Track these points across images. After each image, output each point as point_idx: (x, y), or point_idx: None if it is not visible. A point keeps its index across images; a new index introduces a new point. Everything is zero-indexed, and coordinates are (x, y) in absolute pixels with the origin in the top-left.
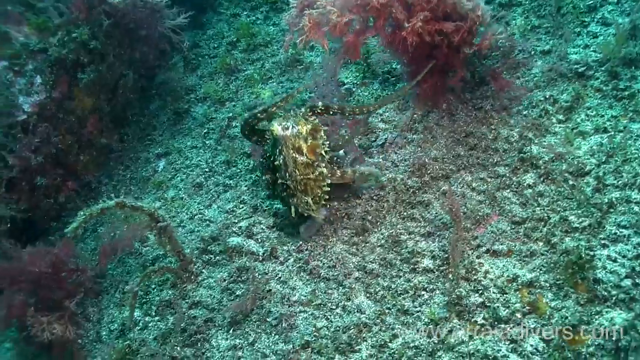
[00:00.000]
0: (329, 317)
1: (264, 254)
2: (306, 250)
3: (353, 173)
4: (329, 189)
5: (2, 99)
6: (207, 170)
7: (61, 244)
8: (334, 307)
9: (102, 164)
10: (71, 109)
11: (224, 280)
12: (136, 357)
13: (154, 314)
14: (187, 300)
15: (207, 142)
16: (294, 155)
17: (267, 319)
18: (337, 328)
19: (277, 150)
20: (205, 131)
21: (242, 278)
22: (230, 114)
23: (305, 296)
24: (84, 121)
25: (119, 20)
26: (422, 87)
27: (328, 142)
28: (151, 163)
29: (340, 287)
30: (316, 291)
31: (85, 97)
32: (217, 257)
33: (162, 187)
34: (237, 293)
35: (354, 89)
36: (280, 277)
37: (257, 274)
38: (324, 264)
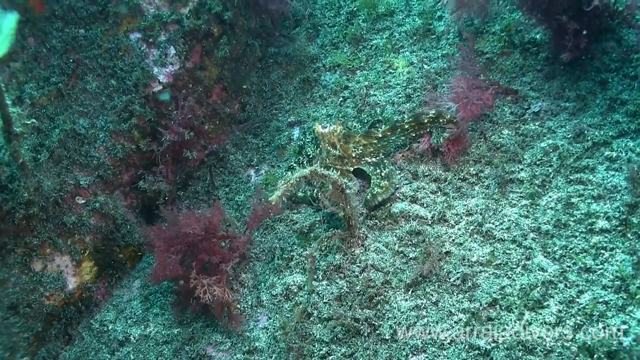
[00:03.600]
0: (511, 276)
1: (432, 217)
2: (476, 213)
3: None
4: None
5: (139, 71)
6: None
7: (213, 210)
8: (514, 266)
9: (226, 133)
10: (200, 78)
11: (395, 243)
12: (313, 319)
13: (320, 278)
14: (358, 265)
15: (345, 109)
16: (328, 147)
17: (448, 279)
18: (523, 286)
19: (316, 145)
20: (340, 99)
21: (413, 241)
22: (367, 82)
23: (483, 257)
24: (210, 90)
25: None
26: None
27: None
28: (284, 131)
29: (518, 248)
30: (494, 252)
31: (212, 67)
32: (382, 222)
33: (301, 154)
34: (410, 256)
35: (494, 59)
36: (454, 240)
37: (430, 238)
38: (496, 226)
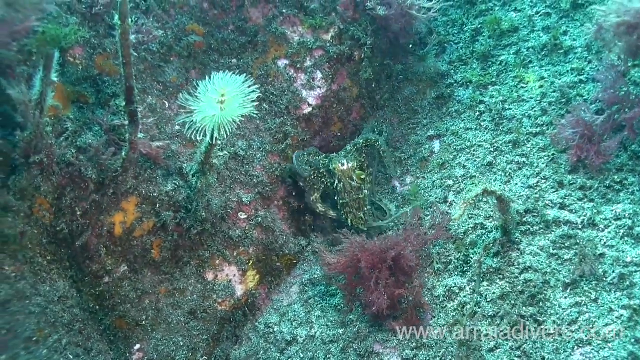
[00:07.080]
0: None
1: (582, 222)
2: (625, 217)
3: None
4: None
5: (289, 95)
6: (492, 150)
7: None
8: None
9: None
10: (343, 99)
11: (549, 247)
12: (474, 318)
13: (481, 280)
14: (517, 267)
15: (482, 124)
16: (349, 182)
17: (605, 278)
18: None
19: (337, 179)
20: (477, 114)
21: (566, 244)
22: (501, 97)
23: (637, 257)
24: (350, 109)
25: (382, 21)
26: None
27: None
28: (424, 144)
29: None
30: None
31: (354, 87)
32: (535, 228)
33: (445, 167)
34: (564, 258)
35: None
36: (606, 243)
37: (583, 241)
38: None
